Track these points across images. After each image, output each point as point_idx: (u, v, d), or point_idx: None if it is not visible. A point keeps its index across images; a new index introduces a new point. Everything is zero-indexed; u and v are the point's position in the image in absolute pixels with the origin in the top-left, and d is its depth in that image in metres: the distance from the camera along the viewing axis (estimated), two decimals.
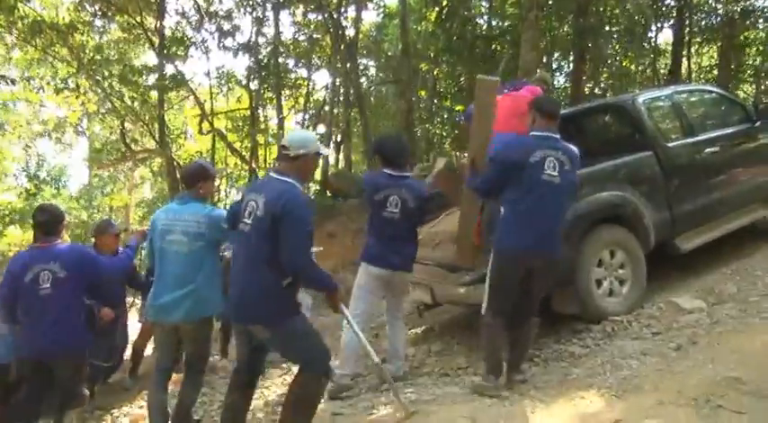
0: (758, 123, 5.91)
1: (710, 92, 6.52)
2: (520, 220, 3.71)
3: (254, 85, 17.87)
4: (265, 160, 19.48)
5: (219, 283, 3.95)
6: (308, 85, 20.61)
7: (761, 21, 13.88)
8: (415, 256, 4.55)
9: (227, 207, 3.95)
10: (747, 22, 13.55)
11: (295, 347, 3.31)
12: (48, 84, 15.77)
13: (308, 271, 3.17)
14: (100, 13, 15.48)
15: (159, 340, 4.11)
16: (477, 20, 14.90)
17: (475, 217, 4.51)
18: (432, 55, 16.85)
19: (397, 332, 4.67)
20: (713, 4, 14.32)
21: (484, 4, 15.68)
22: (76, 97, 16.32)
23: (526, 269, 3.75)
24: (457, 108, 17.07)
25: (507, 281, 3.76)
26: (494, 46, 14.29)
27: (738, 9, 12.92)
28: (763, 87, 14.58)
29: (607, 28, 13.17)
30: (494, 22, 14.85)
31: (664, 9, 14.00)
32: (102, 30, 16.65)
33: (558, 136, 3.85)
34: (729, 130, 5.81)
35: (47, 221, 4.00)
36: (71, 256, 3.94)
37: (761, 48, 14.81)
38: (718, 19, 13.97)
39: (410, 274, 4.61)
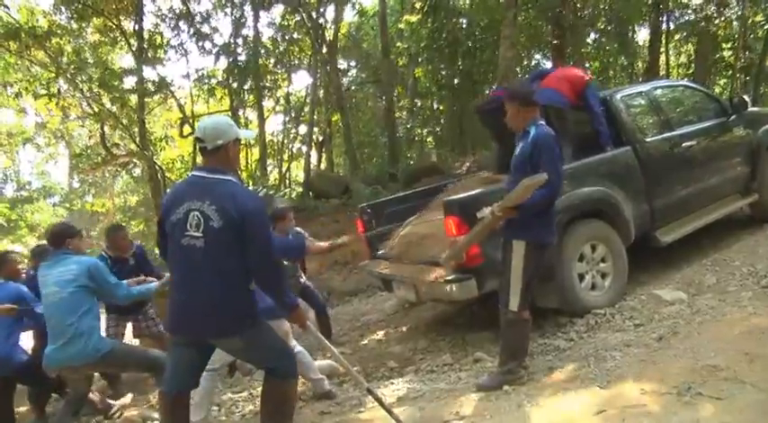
0: (733, 117, 6.03)
1: (687, 87, 6.62)
2: (551, 216, 3.71)
3: (233, 86, 17.76)
4: (247, 162, 19.39)
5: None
6: (288, 85, 20.55)
7: (733, 17, 14.10)
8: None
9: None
10: (723, 18, 13.74)
11: (266, 350, 3.08)
12: (26, 89, 15.52)
13: (276, 276, 2.97)
14: (76, 15, 15.28)
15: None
16: (459, 18, 14.93)
17: (479, 241, 4.10)
18: (411, 54, 16.87)
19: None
20: (688, 1, 14.51)
21: (466, 1, 15.70)
22: (56, 103, 16.10)
23: None
24: (439, 107, 17.12)
25: (537, 273, 3.77)
26: (473, 43, 14.35)
27: (713, 6, 13.13)
28: (738, 82, 14.76)
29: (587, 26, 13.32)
30: (474, 20, 14.87)
31: (643, 6, 14.14)
32: (78, 33, 16.42)
33: None
34: (705, 124, 5.91)
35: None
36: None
37: (734, 44, 15.04)
38: (695, 15, 14.16)
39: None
